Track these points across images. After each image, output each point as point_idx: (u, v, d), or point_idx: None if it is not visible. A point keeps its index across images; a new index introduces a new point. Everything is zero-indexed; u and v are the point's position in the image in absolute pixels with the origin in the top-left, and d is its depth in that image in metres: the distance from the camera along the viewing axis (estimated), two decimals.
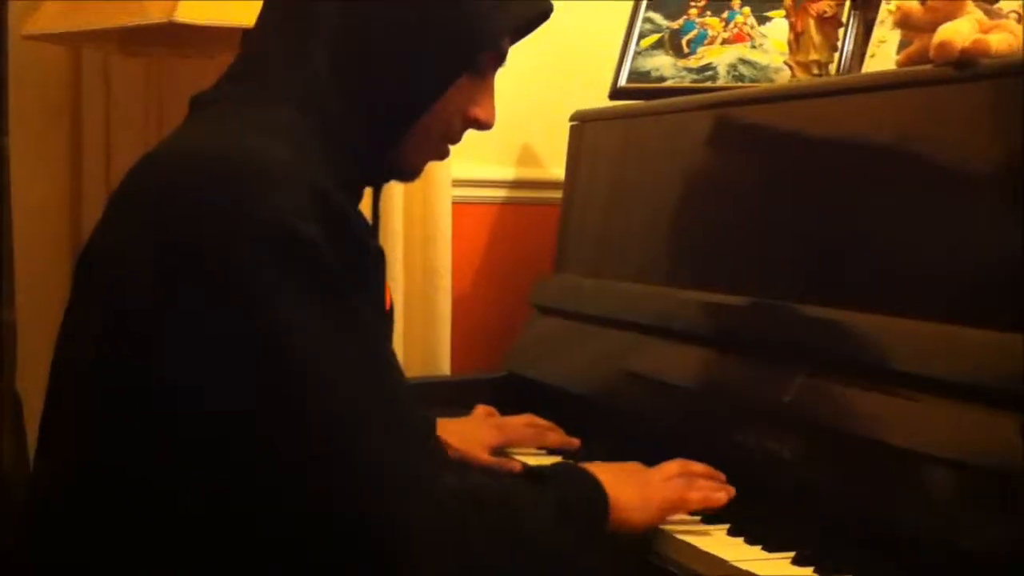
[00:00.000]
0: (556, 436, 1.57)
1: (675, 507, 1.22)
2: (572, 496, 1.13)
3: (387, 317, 1.16)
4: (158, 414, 0.97)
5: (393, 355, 1.08)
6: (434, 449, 1.08)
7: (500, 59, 1.18)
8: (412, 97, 1.11)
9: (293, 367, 0.95)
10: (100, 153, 2.01)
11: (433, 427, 1.27)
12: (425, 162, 1.20)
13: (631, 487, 1.19)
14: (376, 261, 1.07)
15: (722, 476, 1.27)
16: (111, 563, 0.99)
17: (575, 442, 1.56)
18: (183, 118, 1.14)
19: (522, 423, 1.59)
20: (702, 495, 1.23)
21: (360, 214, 1.06)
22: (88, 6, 1.73)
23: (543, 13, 1.20)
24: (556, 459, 1.43)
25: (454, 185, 2.00)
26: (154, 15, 1.67)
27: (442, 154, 1.20)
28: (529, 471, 1.19)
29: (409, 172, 1.20)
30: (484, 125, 1.18)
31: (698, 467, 1.27)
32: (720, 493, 1.24)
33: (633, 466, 1.26)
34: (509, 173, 2.14)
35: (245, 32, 1.21)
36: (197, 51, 1.94)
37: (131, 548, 0.99)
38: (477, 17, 1.11)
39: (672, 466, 1.26)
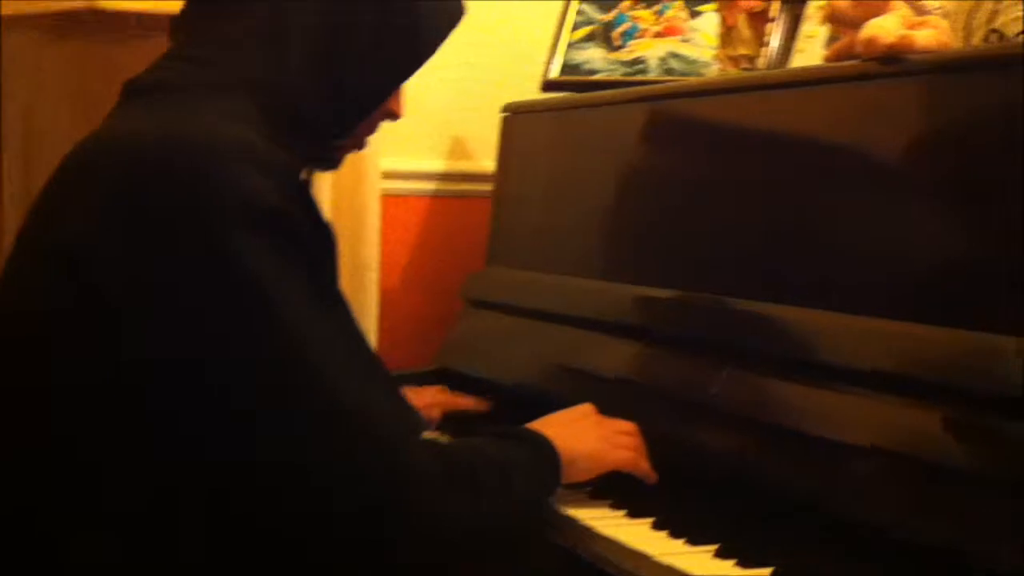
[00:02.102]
0: (468, 400, 1.62)
1: (626, 466, 1.24)
2: (526, 455, 1.16)
3: None
4: (134, 386, 0.98)
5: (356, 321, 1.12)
6: (408, 404, 1.15)
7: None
8: (374, 99, 1.19)
9: (279, 332, 0.98)
10: (21, 141, 1.97)
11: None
12: (345, 155, 1.26)
13: (584, 442, 1.22)
14: (332, 239, 1.10)
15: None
16: (79, 538, 0.99)
17: (484, 405, 1.60)
18: (117, 102, 1.13)
19: (434, 391, 1.63)
20: (648, 467, 1.26)
21: (311, 192, 1.10)
22: None
23: (461, 18, 1.25)
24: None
25: (383, 177, 1.98)
26: (77, 1, 1.64)
27: (362, 147, 1.27)
28: (483, 432, 1.22)
29: (335, 163, 1.26)
30: (397, 117, 1.25)
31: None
32: (654, 474, 1.26)
33: (585, 413, 1.28)
34: (439, 165, 2.12)
35: (188, 11, 1.19)
36: (123, 36, 1.90)
37: (108, 523, 0.99)
38: (429, 18, 1.18)
39: (625, 425, 1.28)
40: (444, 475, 1.04)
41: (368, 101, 1.19)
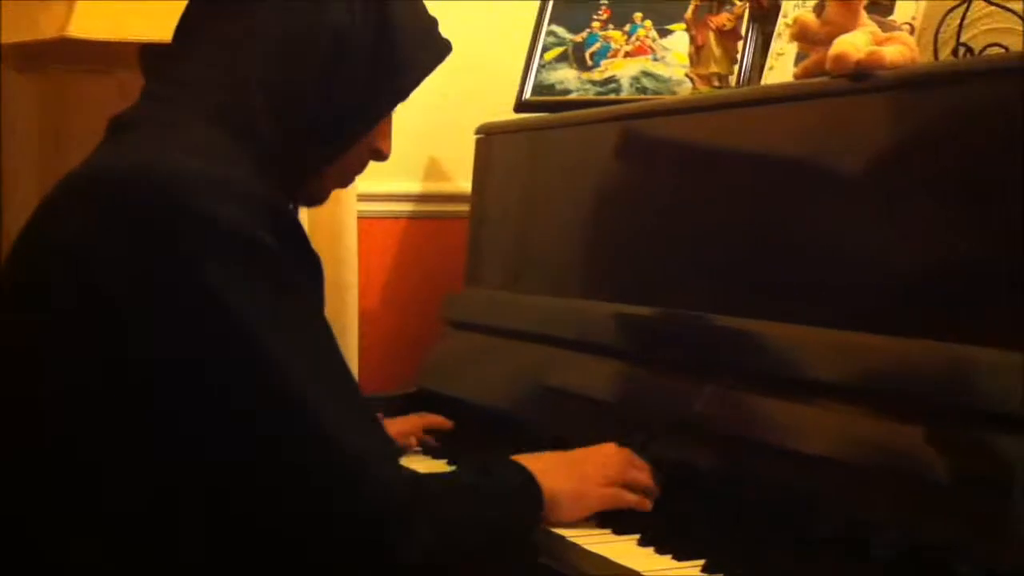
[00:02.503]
0: (434, 417, 1.64)
1: (609, 504, 1.23)
2: (509, 488, 1.16)
3: None
4: (126, 403, 0.99)
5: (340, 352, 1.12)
6: (388, 435, 1.13)
7: (406, 96, 1.24)
8: (344, 136, 1.19)
9: (256, 356, 0.99)
10: None
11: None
12: (331, 191, 1.27)
13: (567, 481, 1.21)
14: (318, 271, 1.11)
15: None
16: (76, 543, 1.00)
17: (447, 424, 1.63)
18: (95, 136, 1.14)
19: (411, 418, 1.65)
20: (637, 499, 1.24)
21: (298, 221, 1.10)
22: None
23: (445, 55, 1.26)
24: (441, 463, 1.48)
25: (360, 200, 1.98)
26: (47, 31, 1.64)
27: (348, 184, 1.29)
28: (466, 466, 1.23)
29: (320, 199, 1.27)
30: (384, 157, 1.26)
31: (639, 461, 1.28)
32: (649, 501, 1.25)
33: (575, 455, 1.26)
34: (415, 187, 2.13)
35: (166, 49, 1.20)
36: (93, 68, 1.89)
37: (97, 532, 1.00)
38: (404, 59, 1.19)
39: (611, 450, 1.27)
40: (410, 502, 1.04)
41: (342, 136, 1.19)
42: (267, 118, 1.11)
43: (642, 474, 1.26)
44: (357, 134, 1.20)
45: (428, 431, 1.63)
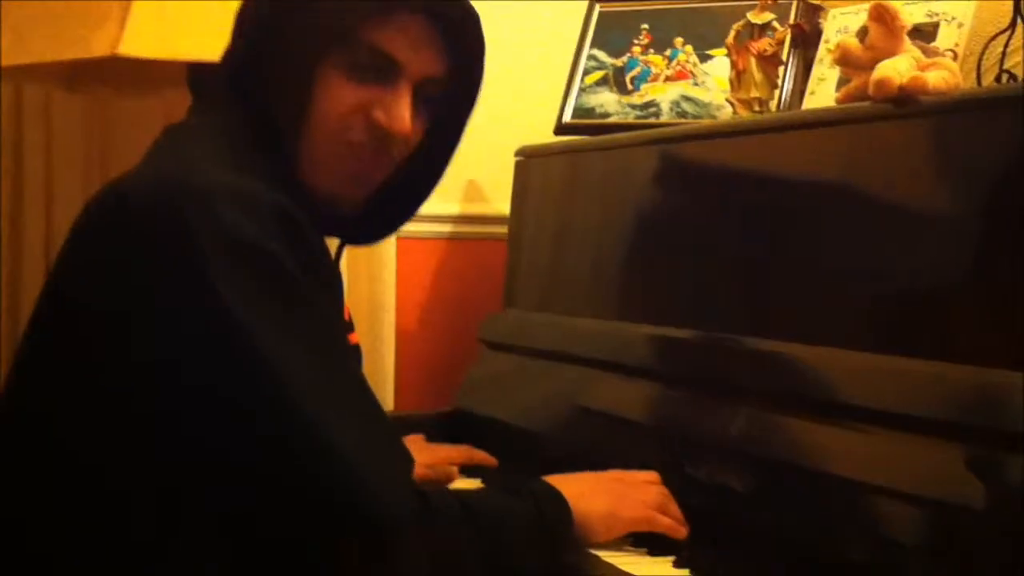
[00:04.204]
0: (481, 454, 1.60)
1: (642, 525, 1.22)
2: (537, 508, 1.14)
3: (347, 325, 1.17)
4: (128, 406, 0.99)
5: (358, 365, 1.10)
6: (403, 446, 1.10)
7: (380, 58, 1.13)
8: (288, 93, 1.11)
9: (264, 368, 0.98)
10: (40, 192, 1.99)
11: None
12: (334, 179, 1.15)
13: (599, 499, 1.20)
14: (336, 283, 1.11)
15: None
16: (73, 551, 1.00)
17: (493, 462, 1.59)
18: (140, 154, 1.15)
19: (458, 448, 1.62)
20: (670, 523, 1.23)
21: (316, 234, 1.08)
22: (32, 40, 1.71)
23: None
24: (474, 481, 1.47)
25: None
26: (97, 49, 1.66)
27: (351, 168, 1.15)
28: (495, 485, 1.21)
29: (324, 195, 1.15)
30: (387, 128, 1.13)
31: (665, 491, 1.27)
32: (684, 528, 1.24)
33: (609, 476, 1.26)
34: (454, 208, 2.14)
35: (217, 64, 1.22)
36: (140, 88, 1.92)
37: (98, 538, 1.00)
38: (330, 8, 1.12)
39: (643, 475, 1.27)
40: (411, 519, 1.02)
41: (287, 110, 1.12)
42: (235, 101, 1.13)
43: (676, 506, 1.25)
44: (303, 86, 1.11)
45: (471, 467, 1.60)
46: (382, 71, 1.14)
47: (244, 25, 1.17)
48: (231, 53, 1.17)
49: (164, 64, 1.71)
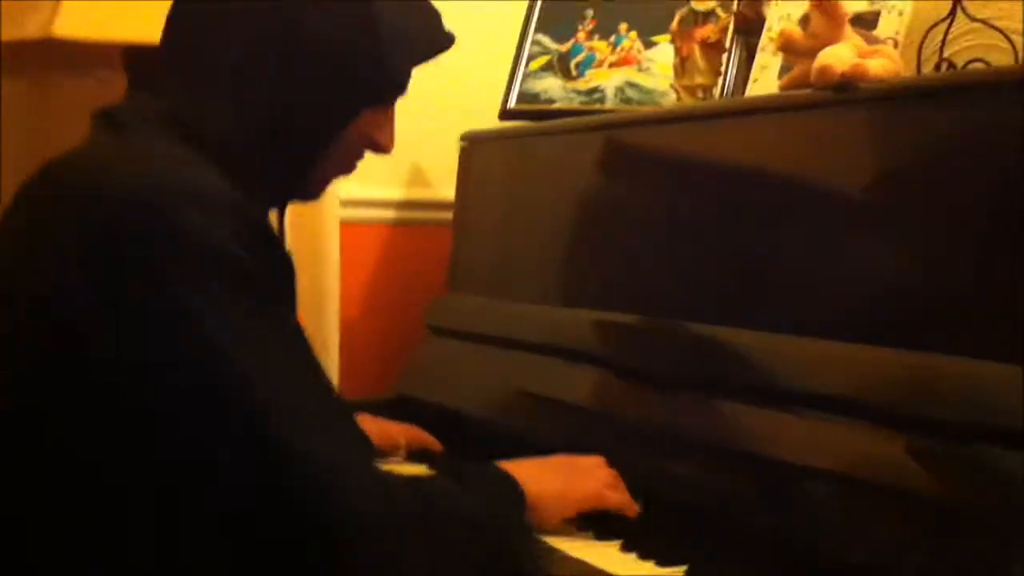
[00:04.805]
0: (428, 438, 1.60)
1: (593, 503, 1.23)
2: (491, 492, 1.15)
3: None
4: (93, 408, 0.98)
5: (316, 360, 1.10)
6: (370, 446, 1.11)
7: (404, 87, 1.22)
8: (317, 132, 1.16)
9: (229, 371, 0.98)
10: None
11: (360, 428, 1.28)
12: (327, 184, 1.24)
13: (550, 482, 1.21)
14: (291, 276, 1.09)
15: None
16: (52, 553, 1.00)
17: (438, 447, 1.59)
18: (84, 131, 1.13)
19: (406, 426, 1.62)
20: (620, 498, 1.24)
21: (271, 229, 1.08)
22: None
23: (447, 45, 1.24)
24: (420, 468, 1.47)
25: (342, 205, 1.98)
26: (32, 30, 1.63)
27: (347, 174, 1.25)
28: (446, 469, 1.20)
29: (312, 194, 1.25)
30: (383, 150, 1.23)
31: (622, 484, 1.27)
32: (634, 506, 1.25)
33: (557, 460, 1.26)
34: (398, 193, 2.13)
35: (152, 50, 1.20)
36: (75, 68, 1.89)
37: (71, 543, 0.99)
38: (382, 53, 1.15)
39: (589, 460, 1.27)
40: (381, 514, 1.02)
41: (317, 133, 1.16)
42: (234, 115, 1.10)
43: (623, 486, 1.26)
44: (332, 129, 1.16)
45: (417, 450, 1.60)
46: (393, 99, 1.22)
47: (280, 57, 1.12)
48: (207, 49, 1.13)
49: (99, 45, 1.68)
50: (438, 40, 1.23)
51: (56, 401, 0.99)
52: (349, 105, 1.16)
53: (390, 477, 1.08)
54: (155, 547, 0.99)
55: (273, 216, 1.23)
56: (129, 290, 0.98)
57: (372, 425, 1.56)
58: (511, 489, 1.17)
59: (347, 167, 1.23)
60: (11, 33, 1.65)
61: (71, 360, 0.99)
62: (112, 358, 0.98)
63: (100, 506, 0.99)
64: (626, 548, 1.17)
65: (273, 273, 1.04)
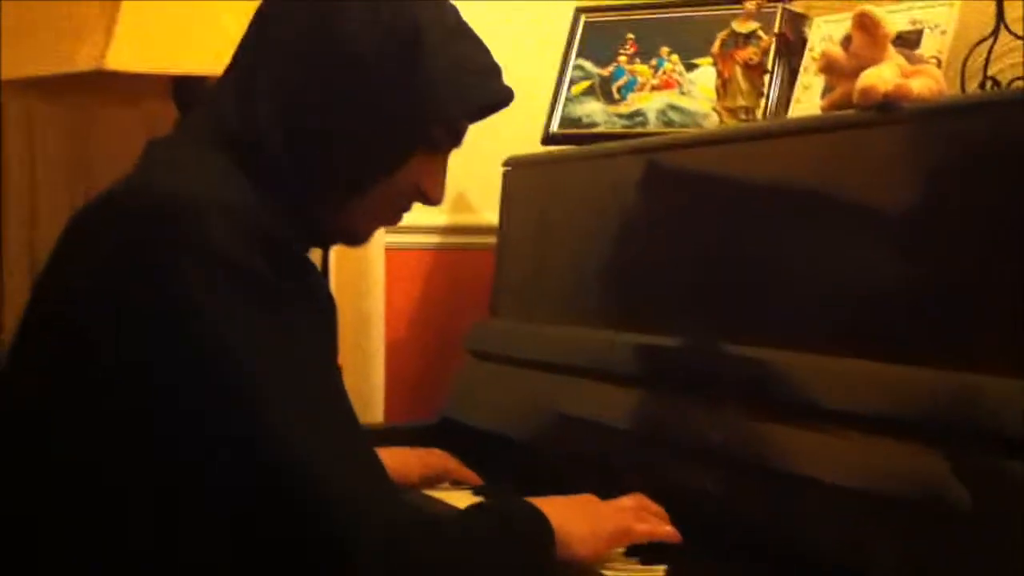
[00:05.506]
0: (467, 473, 1.59)
1: (621, 537, 1.22)
2: (516, 528, 1.13)
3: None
4: (110, 428, 0.99)
5: (341, 385, 1.09)
6: (383, 470, 1.08)
7: (457, 138, 1.20)
8: (363, 171, 1.14)
9: (240, 383, 0.98)
10: (25, 202, 1.99)
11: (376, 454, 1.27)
12: (374, 229, 1.23)
13: (579, 520, 1.19)
14: (325, 306, 1.09)
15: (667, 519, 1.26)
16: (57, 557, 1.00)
17: (477, 481, 1.58)
18: (123, 165, 1.15)
19: (439, 453, 1.61)
20: (648, 527, 1.23)
21: (307, 258, 1.08)
22: (14, 53, 1.71)
23: (503, 101, 1.22)
24: (465, 493, 1.46)
25: (387, 231, 1.99)
26: (83, 63, 1.66)
27: (393, 222, 1.22)
28: (475, 504, 1.19)
29: (357, 237, 1.22)
30: (431, 201, 1.20)
31: (653, 506, 1.26)
32: (668, 526, 1.24)
33: (585, 498, 1.26)
34: (442, 219, 2.14)
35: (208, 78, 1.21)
36: (123, 99, 1.92)
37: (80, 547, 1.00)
38: (433, 98, 1.14)
39: (626, 500, 1.26)
40: (397, 546, 1.01)
41: (360, 174, 1.14)
42: (279, 147, 1.10)
43: (657, 518, 1.25)
44: (376, 173, 1.14)
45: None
46: (446, 148, 1.20)
47: (327, 94, 1.12)
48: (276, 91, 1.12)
49: (148, 77, 1.71)
50: (495, 94, 1.21)
51: (64, 402, 1.00)
52: (398, 146, 1.14)
53: (401, 504, 1.07)
54: (156, 547, 0.99)
55: (317, 254, 1.23)
56: (144, 294, 0.99)
57: (390, 457, 1.56)
58: (540, 525, 1.15)
59: (393, 214, 1.21)
60: (62, 66, 1.68)
61: (82, 362, 1.00)
62: (120, 360, 0.99)
63: (103, 507, 1.00)
64: (671, 574, 1.16)
65: (296, 294, 1.03)
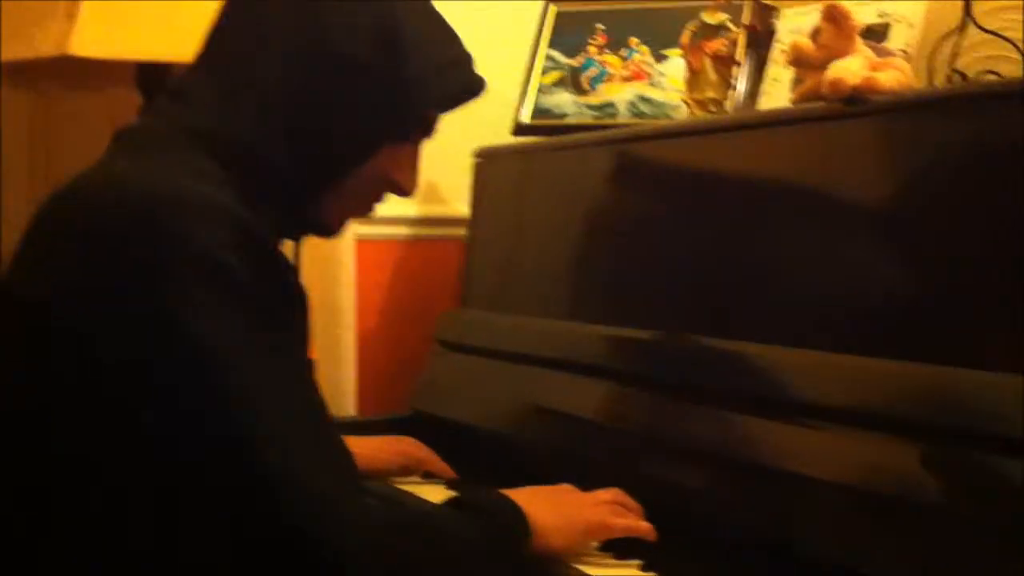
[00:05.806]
0: (440, 465, 1.58)
1: (597, 531, 1.22)
2: (492, 521, 1.13)
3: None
4: (92, 418, 0.99)
5: (314, 381, 1.09)
6: (355, 469, 1.09)
7: (428, 128, 1.21)
8: (335, 161, 1.14)
9: (217, 382, 0.98)
10: None
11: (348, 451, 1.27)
12: (346, 220, 1.22)
13: (553, 510, 1.19)
14: (299, 301, 1.08)
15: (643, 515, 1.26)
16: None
17: (452, 475, 1.57)
18: (85, 150, 1.14)
19: (410, 441, 1.61)
20: (626, 523, 1.22)
21: (282, 253, 1.07)
22: None
23: (475, 90, 1.22)
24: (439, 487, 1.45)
25: (357, 222, 1.98)
26: (46, 48, 1.64)
27: (364, 213, 1.23)
28: (450, 499, 1.19)
29: (331, 229, 1.22)
30: (404, 192, 1.21)
31: (631, 502, 1.26)
32: (645, 523, 1.23)
33: (563, 488, 1.25)
34: (413, 210, 2.14)
35: (181, 68, 1.20)
36: (86, 85, 1.90)
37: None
38: (405, 87, 1.14)
39: (603, 494, 1.26)
40: (370, 543, 1.01)
41: (334, 163, 1.14)
42: (256, 142, 1.10)
43: (633, 513, 1.25)
44: (348, 164, 1.15)
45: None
46: (418, 139, 1.20)
47: (303, 86, 1.12)
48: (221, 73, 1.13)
49: (111, 63, 1.69)
50: (467, 83, 1.21)
51: (57, 402, 1.00)
52: (371, 136, 1.15)
53: (373, 505, 1.07)
54: (155, 548, 0.99)
55: (289, 246, 1.23)
56: (122, 292, 0.99)
57: (362, 446, 1.55)
58: (516, 517, 1.15)
59: (365, 206, 1.22)
60: (25, 51, 1.66)
61: (70, 362, 0.99)
62: (107, 359, 0.98)
63: (100, 507, 0.99)
64: (646, 568, 1.16)
65: (273, 291, 1.03)
